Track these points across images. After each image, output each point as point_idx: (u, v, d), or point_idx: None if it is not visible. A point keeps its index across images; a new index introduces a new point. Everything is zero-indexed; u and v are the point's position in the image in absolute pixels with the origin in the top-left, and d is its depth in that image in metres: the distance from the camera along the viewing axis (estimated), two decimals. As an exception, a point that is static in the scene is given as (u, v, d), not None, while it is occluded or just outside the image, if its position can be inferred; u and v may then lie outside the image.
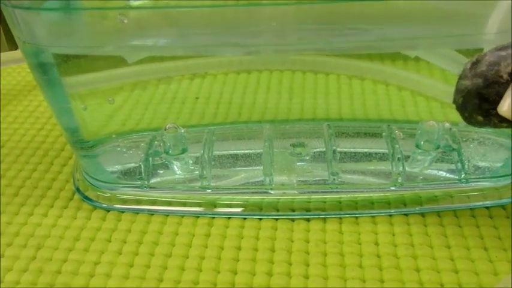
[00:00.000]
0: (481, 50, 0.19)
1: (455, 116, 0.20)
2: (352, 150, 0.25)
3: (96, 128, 0.26)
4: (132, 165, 0.26)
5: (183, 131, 0.25)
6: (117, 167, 0.26)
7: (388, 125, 0.25)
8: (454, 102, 0.20)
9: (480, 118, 0.19)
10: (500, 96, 0.19)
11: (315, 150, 0.25)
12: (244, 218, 0.24)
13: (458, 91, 0.19)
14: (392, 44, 0.22)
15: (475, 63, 0.19)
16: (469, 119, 0.20)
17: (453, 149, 0.24)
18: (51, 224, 0.24)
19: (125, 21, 0.20)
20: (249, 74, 0.32)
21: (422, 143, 0.24)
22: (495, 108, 0.19)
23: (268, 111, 0.28)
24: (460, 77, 0.19)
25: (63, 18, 0.21)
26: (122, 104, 0.28)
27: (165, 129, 0.25)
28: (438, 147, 0.24)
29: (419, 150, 0.24)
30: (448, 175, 0.24)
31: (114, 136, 0.26)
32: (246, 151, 0.26)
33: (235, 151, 0.26)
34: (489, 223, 0.23)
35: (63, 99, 0.24)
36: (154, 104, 0.29)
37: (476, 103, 0.19)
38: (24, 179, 0.27)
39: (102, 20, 0.20)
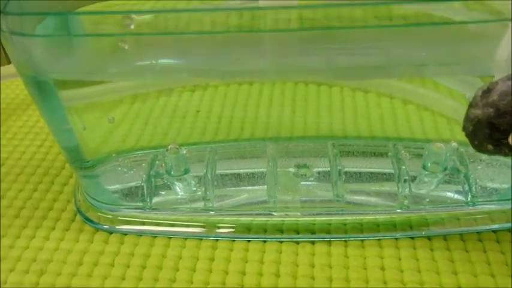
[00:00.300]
0: (492, 77, 0.19)
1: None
2: (357, 170, 0.25)
3: (95, 147, 0.26)
4: (134, 185, 0.25)
5: (184, 152, 0.25)
6: (118, 186, 0.26)
7: (394, 145, 0.25)
8: (464, 129, 0.19)
9: (490, 147, 0.19)
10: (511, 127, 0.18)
11: (319, 170, 0.25)
12: (249, 241, 0.24)
13: (468, 119, 0.19)
14: (398, 69, 0.21)
15: (486, 92, 0.18)
16: (479, 147, 0.19)
17: (460, 171, 0.24)
18: (54, 247, 0.24)
19: (126, 47, 0.19)
20: (251, 86, 0.31)
21: (429, 164, 0.24)
22: (506, 138, 0.18)
23: (271, 126, 0.28)
24: (471, 105, 0.19)
25: (59, 41, 0.20)
26: (122, 118, 0.27)
27: (167, 150, 0.25)
28: (446, 169, 0.23)
29: (426, 172, 0.24)
30: (455, 197, 0.24)
31: (114, 155, 0.26)
32: (249, 170, 0.26)
33: (238, 170, 0.26)
34: (496, 248, 0.22)
35: (62, 118, 0.24)
36: (154, 118, 0.28)
37: (487, 132, 0.19)
38: (25, 200, 0.27)
39: (101, 46, 0.20)
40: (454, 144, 0.24)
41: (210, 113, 0.29)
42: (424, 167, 0.24)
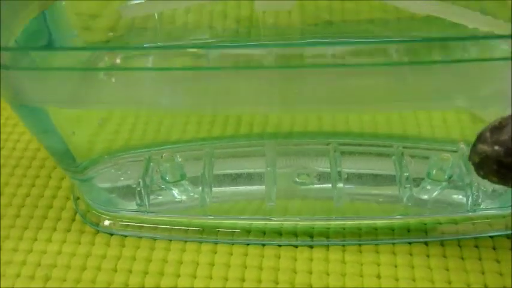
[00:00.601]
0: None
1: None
2: (358, 172, 0.24)
3: (85, 150, 0.25)
4: (129, 188, 0.25)
5: (180, 160, 0.24)
6: (113, 188, 0.26)
7: (398, 147, 0.24)
8: (470, 159, 0.19)
9: (496, 179, 0.18)
10: (519, 165, 0.17)
11: (319, 175, 0.24)
12: (248, 244, 0.24)
13: (475, 152, 0.18)
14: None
15: (497, 128, 0.17)
16: (484, 177, 0.19)
17: (465, 178, 0.23)
18: (56, 251, 0.25)
19: (113, 79, 0.18)
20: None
21: (434, 172, 0.23)
22: None
23: (270, 120, 0.27)
24: (479, 139, 0.18)
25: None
26: (112, 116, 0.26)
27: (161, 157, 0.24)
28: (451, 178, 0.23)
29: (430, 180, 0.23)
30: (457, 202, 0.23)
31: (106, 157, 0.25)
32: (246, 171, 0.25)
33: (235, 171, 0.25)
34: (492, 256, 0.23)
35: (47, 123, 0.23)
36: (146, 114, 0.27)
37: (494, 168, 0.18)
38: (24, 197, 0.27)
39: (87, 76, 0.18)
40: (462, 146, 0.23)
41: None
42: (429, 175, 0.23)
